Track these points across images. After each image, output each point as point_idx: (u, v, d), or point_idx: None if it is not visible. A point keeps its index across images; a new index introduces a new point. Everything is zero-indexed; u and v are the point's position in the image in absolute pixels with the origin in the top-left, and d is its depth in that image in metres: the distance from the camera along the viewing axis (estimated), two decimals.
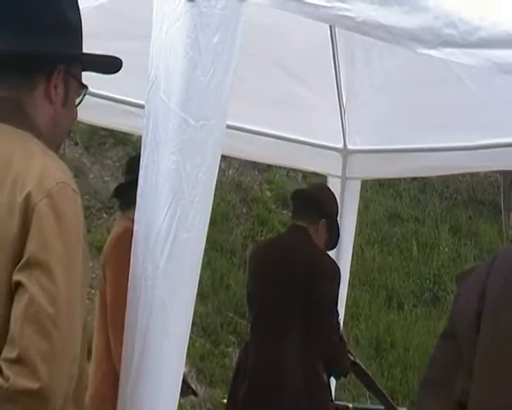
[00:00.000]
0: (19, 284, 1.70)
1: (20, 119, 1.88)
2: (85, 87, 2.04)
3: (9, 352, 1.66)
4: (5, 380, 1.64)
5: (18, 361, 1.65)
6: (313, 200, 3.95)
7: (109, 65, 2.09)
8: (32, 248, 1.71)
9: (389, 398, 4.37)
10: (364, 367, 4.27)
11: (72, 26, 1.97)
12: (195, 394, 3.63)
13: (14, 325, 1.67)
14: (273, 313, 3.80)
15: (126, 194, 2.71)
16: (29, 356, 1.65)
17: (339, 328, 3.88)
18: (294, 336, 3.72)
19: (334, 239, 4.04)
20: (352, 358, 4.00)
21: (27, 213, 1.72)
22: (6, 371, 1.65)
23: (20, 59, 1.92)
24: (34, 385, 1.64)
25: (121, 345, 3.03)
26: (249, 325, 4.08)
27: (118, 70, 2.08)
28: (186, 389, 3.50)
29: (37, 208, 1.72)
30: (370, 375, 4.34)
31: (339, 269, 3.89)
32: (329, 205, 3.97)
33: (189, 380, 3.54)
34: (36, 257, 1.70)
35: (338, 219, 4.09)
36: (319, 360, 3.76)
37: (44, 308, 1.67)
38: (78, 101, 2.04)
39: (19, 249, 1.72)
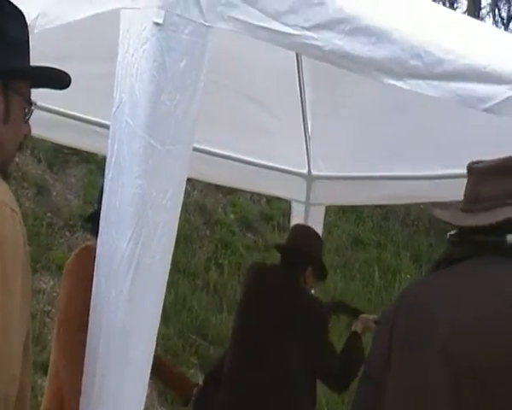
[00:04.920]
0: None
1: None
2: (31, 103, 1.98)
3: None
4: None
5: None
6: (297, 253, 3.94)
7: (58, 79, 2.04)
8: None
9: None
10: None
11: (12, 41, 1.92)
12: None
13: None
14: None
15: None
16: None
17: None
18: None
19: (322, 277, 4.08)
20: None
21: None
22: None
23: None
24: None
25: (67, 364, 3.06)
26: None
27: (67, 85, 2.04)
28: None
29: None
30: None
31: (322, 309, 3.89)
32: (314, 252, 3.97)
33: None
34: None
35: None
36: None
37: None
38: (26, 118, 1.98)
39: None
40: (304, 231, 4.24)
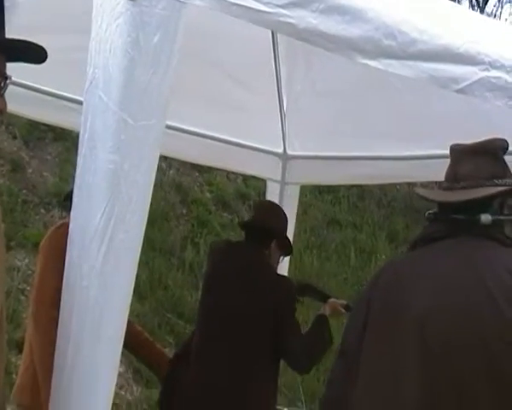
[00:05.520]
0: None
1: None
2: (6, 77, 1.93)
3: None
4: None
5: None
6: (261, 228, 3.92)
7: (34, 53, 1.97)
8: None
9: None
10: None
11: None
12: None
13: None
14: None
15: None
16: None
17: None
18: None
19: (287, 250, 4.08)
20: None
21: None
22: None
23: None
24: None
25: (39, 340, 3.09)
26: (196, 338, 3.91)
27: (44, 60, 1.99)
28: None
29: None
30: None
31: (291, 286, 3.87)
32: (277, 226, 3.96)
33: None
34: None
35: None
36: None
37: None
38: (1, 92, 1.93)
39: None
40: (266, 206, 4.27)
